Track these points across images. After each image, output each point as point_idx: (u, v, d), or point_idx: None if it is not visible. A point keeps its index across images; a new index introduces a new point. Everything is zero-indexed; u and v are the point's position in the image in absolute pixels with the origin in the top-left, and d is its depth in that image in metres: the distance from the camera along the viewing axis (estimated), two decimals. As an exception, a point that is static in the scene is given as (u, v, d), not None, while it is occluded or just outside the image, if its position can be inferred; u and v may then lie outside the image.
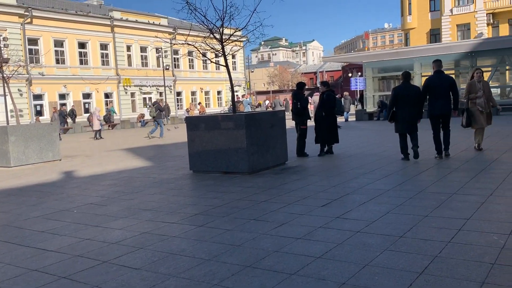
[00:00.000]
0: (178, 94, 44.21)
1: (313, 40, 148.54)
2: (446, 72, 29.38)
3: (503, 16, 44.32)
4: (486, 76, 24.27)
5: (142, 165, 10.75)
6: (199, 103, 41.38)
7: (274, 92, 68.16)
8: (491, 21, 44.69)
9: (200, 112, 36.93)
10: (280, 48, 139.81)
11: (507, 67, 23.84)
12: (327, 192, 6.33)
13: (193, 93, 45.74)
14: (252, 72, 70.43)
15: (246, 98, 40.64)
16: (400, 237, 4.14)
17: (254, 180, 7.65)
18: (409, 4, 49.15)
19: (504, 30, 44.24)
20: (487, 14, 44.46)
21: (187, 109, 38.76)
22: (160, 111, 20.29)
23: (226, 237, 4.50)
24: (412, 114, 8.78)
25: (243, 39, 10.59)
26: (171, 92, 42.52)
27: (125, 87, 38.78)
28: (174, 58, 42.87)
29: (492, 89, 29.33)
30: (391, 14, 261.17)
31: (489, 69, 24.21)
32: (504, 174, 6.80)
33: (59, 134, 16.89)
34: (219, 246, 4.23)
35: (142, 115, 36.39)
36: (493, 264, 3.37)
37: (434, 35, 48.03)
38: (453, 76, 26.73)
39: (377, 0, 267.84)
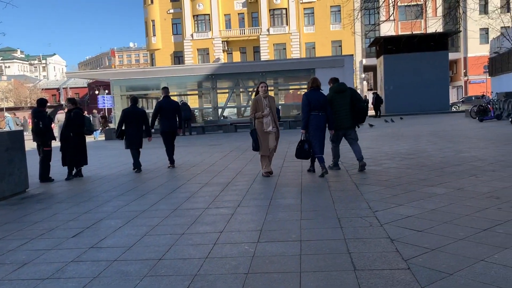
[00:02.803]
0: None
1: (54, 54, 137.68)
2: (190, 92, 31.32)
3: (236, 44, 50.54)
4: (224, 97, 27.15)
5: None
6: None
7: (8, 109, 60.13)
8: (226, 48, 50.35)
9: None
10: (15, 60, 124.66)
11: (241, 90, 27.04)
12: (78, 220, 5.77)
13: None
14: (-20, 86, 60.67)
15: (12, 116, 33.63)
16: (159, 260, 4.04)
17: (-15, 215, 6.40)
18: (153, 26, 51.00)
19: (236, 56, 50.46)
20: (222, 41, 49.88)
21: None
22: None
23: None
24: (140, 132, 10.13)
25: (-35, 47, 8.87)
26: None
27: None
28: None
29: (229, 109, 32.32)
30: (136, 34, 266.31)
31: (227, 91, 27.02)
32: (247, 186, 7.53)
33: None
34: None
35: None
36: (247, 273, 3.59)
37: (178, 57, 51.12)
38: (197, 96, 28.85)
39: (122, 19, 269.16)
